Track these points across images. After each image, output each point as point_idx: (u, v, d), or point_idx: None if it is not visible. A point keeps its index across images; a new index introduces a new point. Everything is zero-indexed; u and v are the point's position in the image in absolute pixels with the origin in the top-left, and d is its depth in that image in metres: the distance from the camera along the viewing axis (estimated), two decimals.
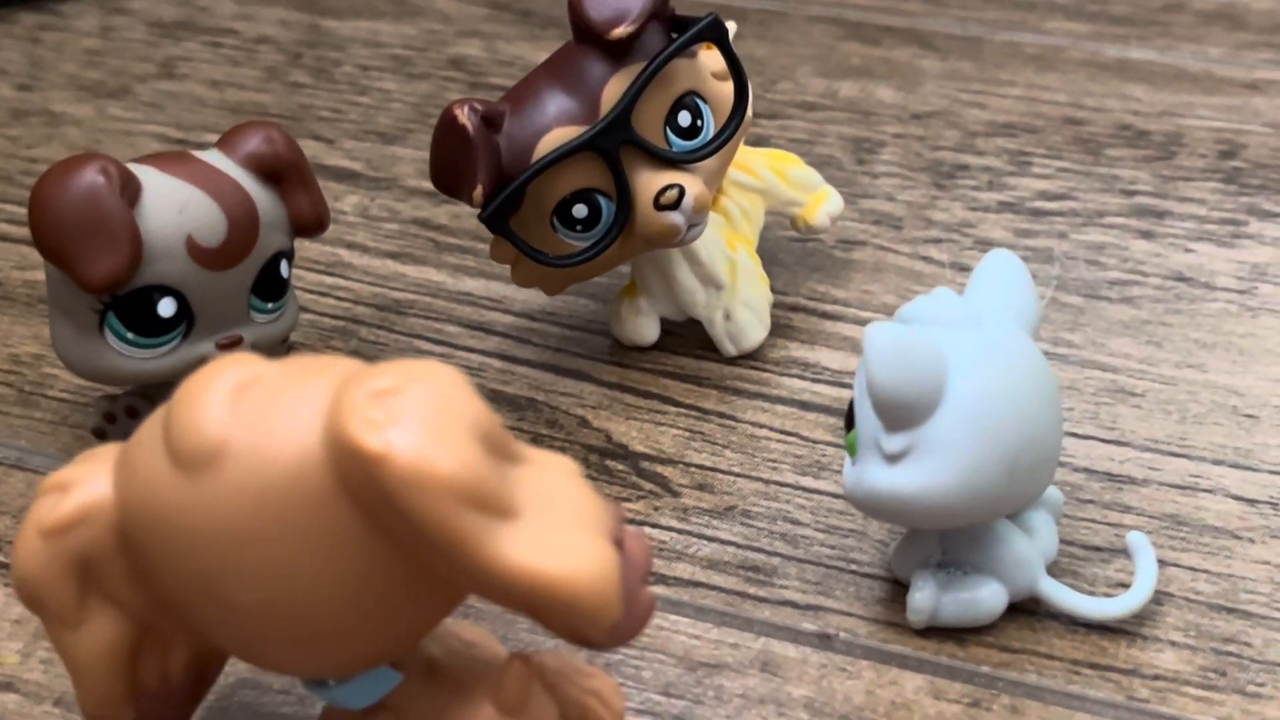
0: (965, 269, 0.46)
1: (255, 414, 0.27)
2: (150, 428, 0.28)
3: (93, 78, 0.58)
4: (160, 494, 0.27)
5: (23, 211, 0.50)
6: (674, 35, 0.40)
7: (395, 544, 0.27)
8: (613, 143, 0.39)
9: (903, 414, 0.32)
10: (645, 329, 0.43)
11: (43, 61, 0.59)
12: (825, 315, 0.45)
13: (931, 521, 0.33)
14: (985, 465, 0.32)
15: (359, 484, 0.26)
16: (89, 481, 0.28)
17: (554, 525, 0.27)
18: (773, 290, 0.44)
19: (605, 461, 0.40)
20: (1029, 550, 0.35)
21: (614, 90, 0.39)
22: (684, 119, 0.40)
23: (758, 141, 0.52)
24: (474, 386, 0.27)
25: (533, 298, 0.46)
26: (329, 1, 0.62)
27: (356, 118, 0.55)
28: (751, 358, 0.43)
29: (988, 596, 0.35)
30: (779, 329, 0.44)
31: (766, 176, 0.44)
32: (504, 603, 0.27)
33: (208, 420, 0.27)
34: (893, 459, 0.33)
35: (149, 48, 0.59)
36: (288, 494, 0.26)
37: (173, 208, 0.37)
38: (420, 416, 0.26)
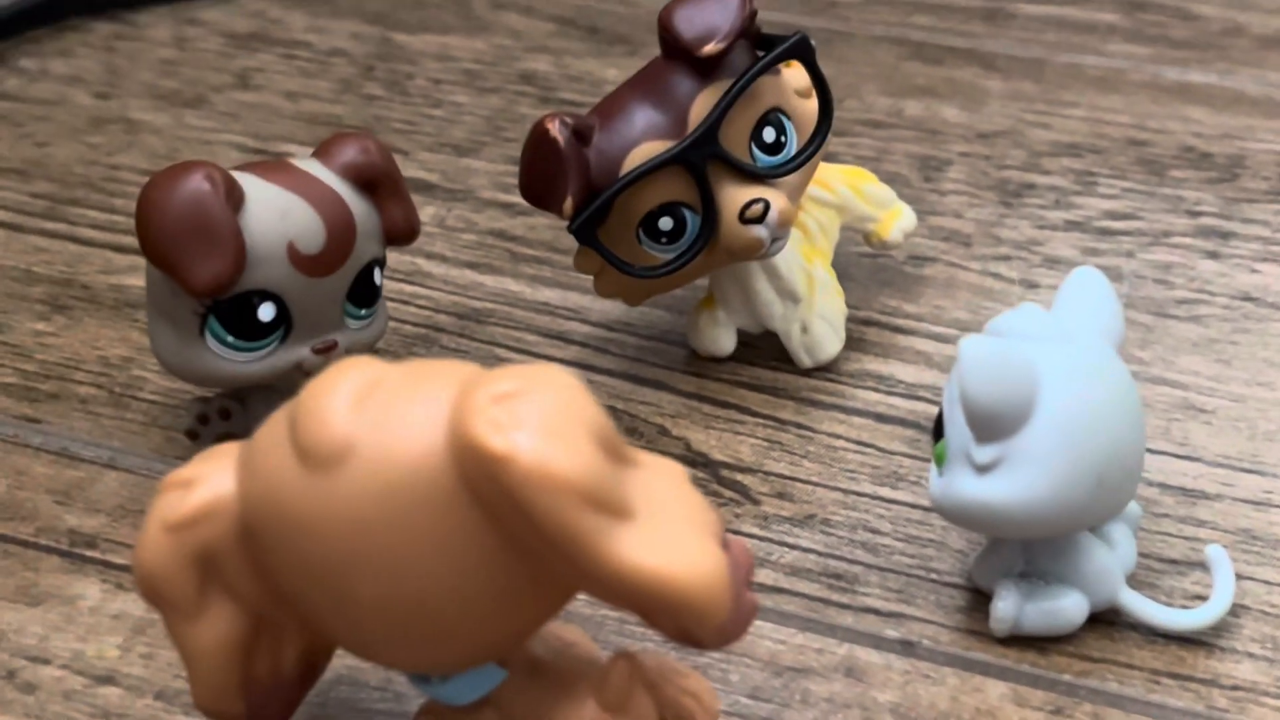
0: (1034, 286, 0.47)
1: (380, 414, 0.28)
2: (274, 427, 0.29)
3: (169, 87, 0.59)
4: (286, 490, 0.28)
5: (107, 217, 0.51)
6: (760, 53, 0.41)
7: (514, 543, 0.27)
8: (700, 157, 0.39)
9: (994, 425, 0.33)
10: (723, 340, 0.44)
11: (119, 70, 0.60)
12: (898, 330, 0.46)
13: (1020, 531, 0.34)
14: (1075, 477, 0.33)
15: (482, 484, 0.27)
16: (213, 478, 0.29)
17: (667, 526, 0.27)
18: (847, 305, 0.45)
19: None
20: (1110, 562, 0.36)
21: (701, 106, 0.40)
22: (769, 135, 0.41)
23: (827, 158, 0.53)
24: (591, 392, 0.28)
25: (610, 308, 0.47)
26: (399, 15, 0.63)
27: (431, 130, 0.56)
28: (827, 370, 0.44)
29: (1070, 606, 0.35)
30: (853, 342, 0.45)
31: (843, 192, 0.45)
32: (617, 601, 0.28)
33: (334, 419, 0.27)
34: (983, 469, 0.33)
35: (223, 59, 0.61)
36: (411, 492, 0.27)
37: (275, 214, 0.38)
38: (542, 419, 0.27)
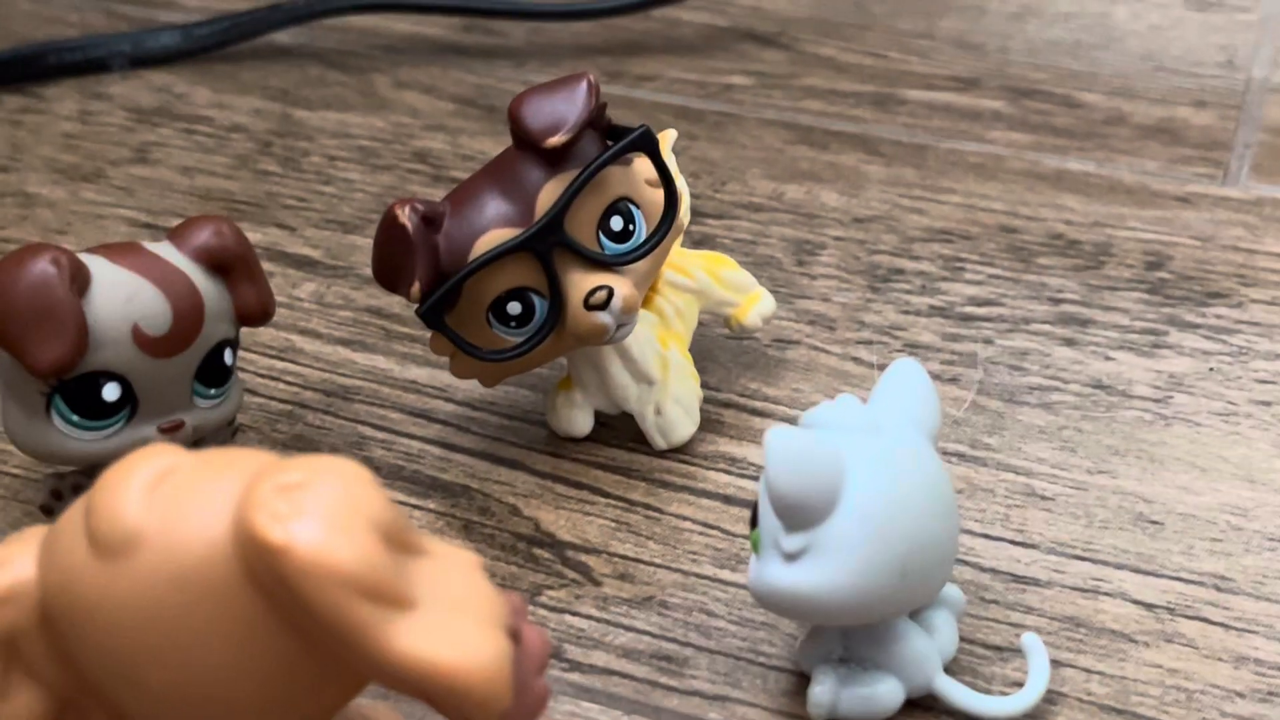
0: None
1: (170, 504, 0.28)
2: (73, 514, 0.29)
3: (69, 161, 0.60)
4: (78, 578, 0.28)
5: None
6: (609, 143, 0.42)
7: (299, 632, 0.28)
8: (546, 245, 0.40)
9: (800, 515, 0.34)
10: (579, 421, 0.45)
11: (22, 144, 0.61)
12: (755, 412, 0.46)
13: (827, 618, 0.35)
14: (877, 566, 0.34)
15: (263, 574, 0.27)
16: (14, 562, 0.30)
17: (448, 616, 0.28)
18: (706, 386, 0.46)
19: (532, 549, 0.42)
20: (927, 648, 0.36)
21: (549, 195, 0.41)
22: (616, 223, 0.42)
23: (703, 240, 0.54)
24: (380, 482, 0.29)
25: (475, 387, 0.47)
26: (302, 92, 0.64)
27: (320, 206, 0.57)
28: (681, 451, 0.45)
29: (885, 693, 0.36)
30: (709, 424, 0.46)
31: (701, 278, 0.46)
32: (400, 689, 0.29)
33: (125, 509, 0.28)
34: (791, 557, 0.34)
35: (125, 133, 0.62)
36: (198, 582, 0.28)
37: (120, 297, 0.38)
38: (323, 511, 0.27)
